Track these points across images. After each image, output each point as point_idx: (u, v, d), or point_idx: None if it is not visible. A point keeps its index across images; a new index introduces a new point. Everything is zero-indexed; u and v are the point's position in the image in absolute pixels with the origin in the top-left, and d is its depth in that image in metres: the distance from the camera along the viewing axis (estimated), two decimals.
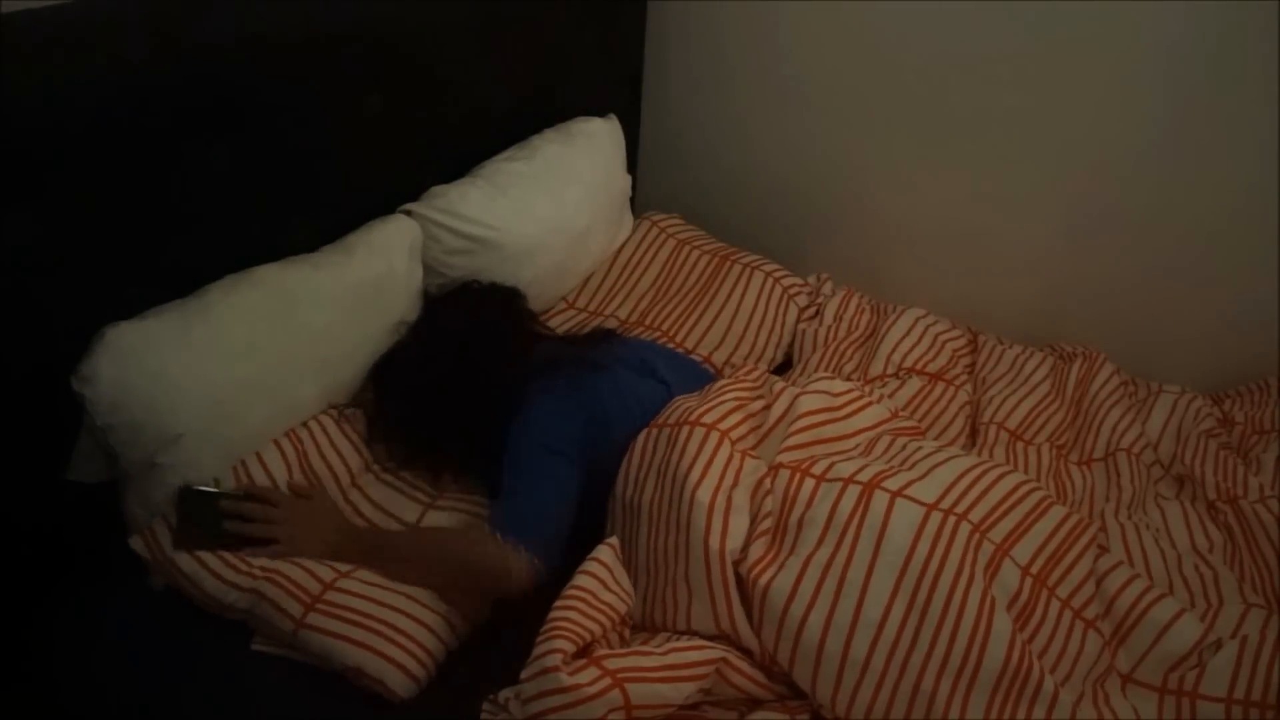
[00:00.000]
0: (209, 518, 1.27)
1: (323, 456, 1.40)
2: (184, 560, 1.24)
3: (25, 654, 1.26)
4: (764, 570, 1.19)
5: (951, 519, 1.19)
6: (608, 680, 1.04)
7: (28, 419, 1.23)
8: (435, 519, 1.39)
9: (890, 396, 1.70)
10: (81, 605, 1.28)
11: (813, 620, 1.15)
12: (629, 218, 2.11)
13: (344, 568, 1.28)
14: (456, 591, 1.26)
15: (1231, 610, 1.32)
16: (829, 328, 1.92)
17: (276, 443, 1.37)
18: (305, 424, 1.41)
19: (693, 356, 1.79)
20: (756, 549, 1.22)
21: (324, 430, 1.42)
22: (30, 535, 1.29)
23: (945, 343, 1.90)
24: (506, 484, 1.29)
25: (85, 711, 1.23)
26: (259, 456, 1.34)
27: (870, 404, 1.44)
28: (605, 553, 1.20)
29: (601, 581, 1.16)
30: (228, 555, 1.25)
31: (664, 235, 2.06)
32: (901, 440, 1.38)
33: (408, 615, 1.23)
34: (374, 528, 1.37)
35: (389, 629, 1.20)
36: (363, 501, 1.41)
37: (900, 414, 1.49)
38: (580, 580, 1.15)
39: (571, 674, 1.03)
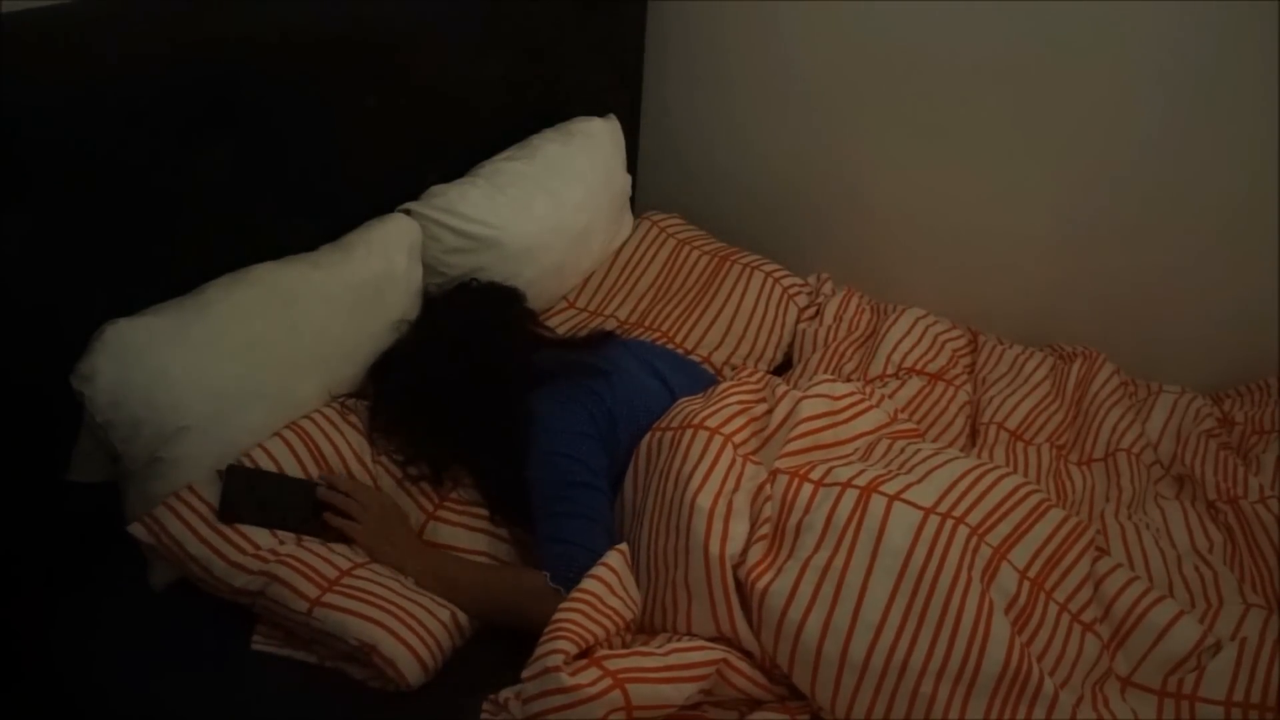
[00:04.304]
0: (251, 497, 1.28)
1: (334, 446, 1.39)
2: (191, 543, 1.23)
3: (25, 654, 1.26)
4: (762, 574, 1.19)
5: (949, 522, 1.19)
6: (609, 681, 1.04)
7: (28, 419, 1.23)
8: (436, 531, 1.38)
9: (890, 397, 1.70)
10: (81, 605, 1.28)
11: (810, 624, 1.14)
12: (629, 218, 2.11)
13: (362, 557, 1.28)
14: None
15: (1231, 611, 1.32)
16: (829, 328, 1.92)
17: (280, 435, 1.36)
18: (308, 416, 1.40)
19: (692, 357, 1.79)
20: (755, 553, 1.21)
21: (329, 421, 1.41)
22: (30, 535, 1.29)
23: (945, 343, 1.90)
24: (546, 530, 1.28)
25: (85, 712, 1.22)
26: (264, 448, 1.33)
27: (870, 408, 1.44)
28: (615, 559, 1.20)
29: (609, 586, 1.16)
30: (235, 538, 1.24)
31: (664, 235, 2.06)
32: (900, 443, 1.38)
33: (423, 606, 1.24)
34: (439, 549, 1.36)
35: (405, 615, 1.21)
36: None
37: (900, 416, 1.49)
38: (587, 584, 1.15)
39: (573, 674, 1.03)
